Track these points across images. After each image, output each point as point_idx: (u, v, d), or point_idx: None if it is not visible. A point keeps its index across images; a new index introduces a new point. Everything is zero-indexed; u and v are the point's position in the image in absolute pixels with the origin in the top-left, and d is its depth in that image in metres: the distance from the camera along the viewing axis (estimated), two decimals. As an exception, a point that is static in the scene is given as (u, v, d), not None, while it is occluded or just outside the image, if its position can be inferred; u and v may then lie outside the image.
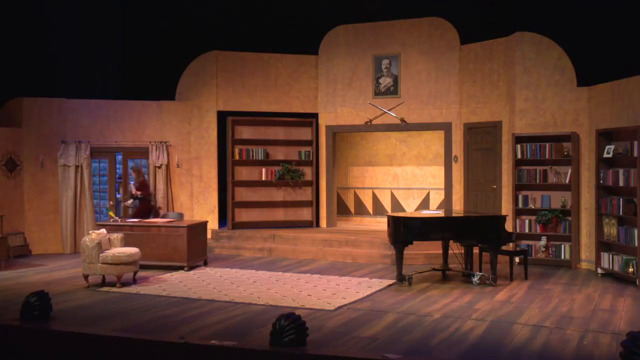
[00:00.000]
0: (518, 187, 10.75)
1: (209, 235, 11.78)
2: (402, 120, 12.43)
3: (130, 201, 11.87)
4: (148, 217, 11.39)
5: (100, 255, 8.85)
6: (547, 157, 10.55)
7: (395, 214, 9.10)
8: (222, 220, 13.15)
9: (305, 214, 13.26)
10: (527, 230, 10.68)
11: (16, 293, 8.27)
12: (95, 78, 13.50)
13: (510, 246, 9.71)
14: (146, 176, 12.04)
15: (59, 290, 8.64)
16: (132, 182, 11.92)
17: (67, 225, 12.23)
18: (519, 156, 10.69)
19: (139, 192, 11.60)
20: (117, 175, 12.11)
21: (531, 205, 10.69)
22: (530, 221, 10.69)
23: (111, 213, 11.25)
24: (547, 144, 10.56)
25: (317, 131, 13.29)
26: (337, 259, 11.27)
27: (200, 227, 10.70)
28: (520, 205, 10.72)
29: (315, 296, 8.22)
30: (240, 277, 9.67)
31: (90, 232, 9.20)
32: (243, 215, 12.99)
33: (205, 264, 10.82)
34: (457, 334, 6.44)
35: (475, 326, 6.74)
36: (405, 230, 8.72)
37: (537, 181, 10.64)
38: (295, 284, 9.04)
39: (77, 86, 13.10)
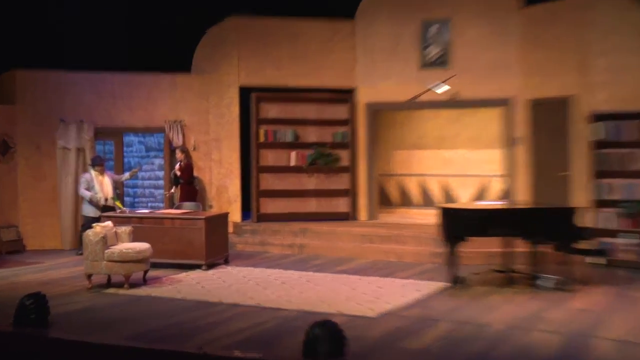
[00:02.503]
0: (596, 174, 10.55)
1: (230, 229, 11.74)
2: (454, 96, 12.33)
3: (173, 189, 12.31)
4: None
5: (106, 251, 8.86)
6: (630, 138, 10.30)
7: (447, 205, 9.28)
8: (246, 211, 13.16)
9: (341, 204, 13.21)
10: (608, 226, 10.44)
11: (9, 295, 8.28)
12: (99, 47, 13.52)
13: (588, 244, 9.53)
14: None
15: (57, 291, 8.68)
16: (177, 164, 12.20)
17: (67, 217, 12.30)
18: (596, 137, 10.49)
19: (179, 173, 12.01)
20: (173, 171, 12.41)
21: (612, 196, 10.45)
22: (612, 215, 10.44)
23: (118, 203, 11.35)
24: (631, 122, 10.31)
25: (354, 109, 13.23)
26: (378, 257, 11.22)
27: (220, 220, 10.73)
28: (599, 196, 10.51)
29: (354, 300, 8.22)
30: (267, 277, 9.70)
31: (94, 224, 9.23)
32: (269, 206, 13.00)
33: (226, 262, 10.84)
34: (523, 348, 6.34)
35: (545, 339, 6.62)
36: (459, 224, 8.70)
37: (619, 167, 10.40)
38: (330, 286, 9.05)
39: (79, 57, 13.11)
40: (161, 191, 13.69)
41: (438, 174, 14.14)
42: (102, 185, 11.37)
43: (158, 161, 14.57)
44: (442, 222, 8.90)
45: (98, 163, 11.45)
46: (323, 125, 13.25)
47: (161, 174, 14.00)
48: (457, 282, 8.88)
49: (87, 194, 11.31)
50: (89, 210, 11.36)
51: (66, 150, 12.31)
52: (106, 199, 11.36)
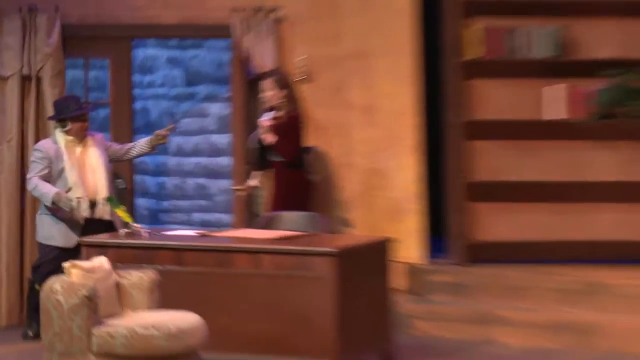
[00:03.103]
0: None
1: (397, 280, 11.61)
2: None
3: (254, 179, 12.74)
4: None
5: (94, 332, 8.52)
6: None
7: None
8: (435, 236, 13.34)
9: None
10: None
11: None
12: None
13: None
14: None
15: None
16: (265, 117, 12.58)
17: (3, 241, 12.64)
18: None
19: (272, 140, 12.34)
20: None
21: None
22: None
23: (121, 212, 11.38)
24: None
25: None
26: None
27: (372, 257, 10.67)
28: None
29: None
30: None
31: (66, 264, 8.87)
32: (496, 224, 13.38)
33: (390, 363, 10.73)
34: None
35: None
36: None
37: None
38: None
39: None
40: (225, 183, 13.74)
41: None
42: (84, 168, 11.58)
43: (215, 109, 15.10)
44: None
45: (73, 114, 11.50)
46: (631, 16, 13.18)
47: (225, 139, 14.17)
48: None
49: (46, 189, 11.29)
50: (53, 231, 11.58)
51: (1, 80, 12.93)
52: (93, 203, 11.40)
